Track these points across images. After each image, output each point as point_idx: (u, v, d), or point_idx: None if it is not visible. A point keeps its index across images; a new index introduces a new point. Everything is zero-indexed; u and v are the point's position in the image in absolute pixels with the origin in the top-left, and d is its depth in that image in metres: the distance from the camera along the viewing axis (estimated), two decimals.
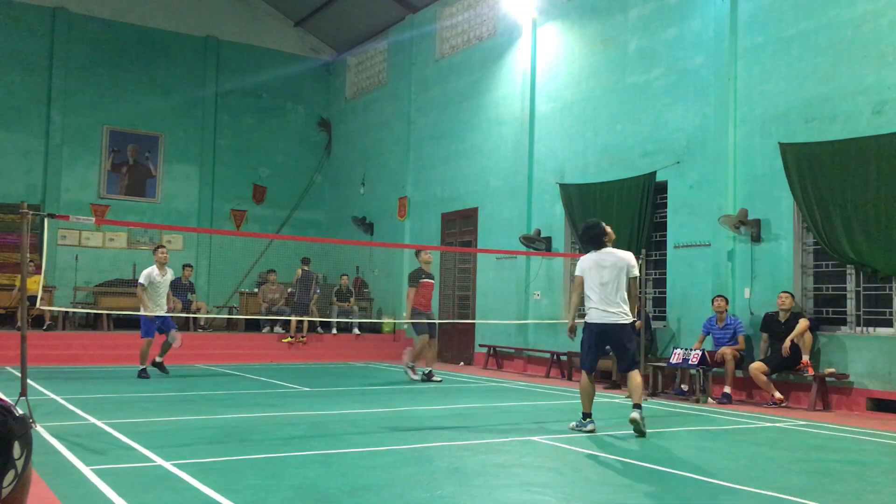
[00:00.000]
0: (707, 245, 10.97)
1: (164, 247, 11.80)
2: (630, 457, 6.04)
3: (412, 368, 12.01)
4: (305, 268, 16.34)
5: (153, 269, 11.30)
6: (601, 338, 7.08)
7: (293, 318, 15.57)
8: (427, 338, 11.78)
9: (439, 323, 15.96)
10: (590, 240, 7.26)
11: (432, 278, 12.13)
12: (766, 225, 10.29)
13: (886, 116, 9.06)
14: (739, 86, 10.71)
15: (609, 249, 7.17)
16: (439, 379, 11.83)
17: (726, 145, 10.71)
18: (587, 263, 7.14)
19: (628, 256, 7.14)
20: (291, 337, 16.04)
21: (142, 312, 11.24)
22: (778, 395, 9.48)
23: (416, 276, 11.81)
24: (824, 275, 9.99)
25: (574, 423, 7.14)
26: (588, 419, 7.07)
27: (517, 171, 14.53)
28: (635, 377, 7.08)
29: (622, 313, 6.99)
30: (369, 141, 19.62)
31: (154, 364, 11.61)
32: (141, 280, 11.25)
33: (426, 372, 11.84)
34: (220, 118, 20.00)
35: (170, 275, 11.52)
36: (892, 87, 9.06)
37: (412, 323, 11.95)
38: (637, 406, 6.87)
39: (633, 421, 6.78)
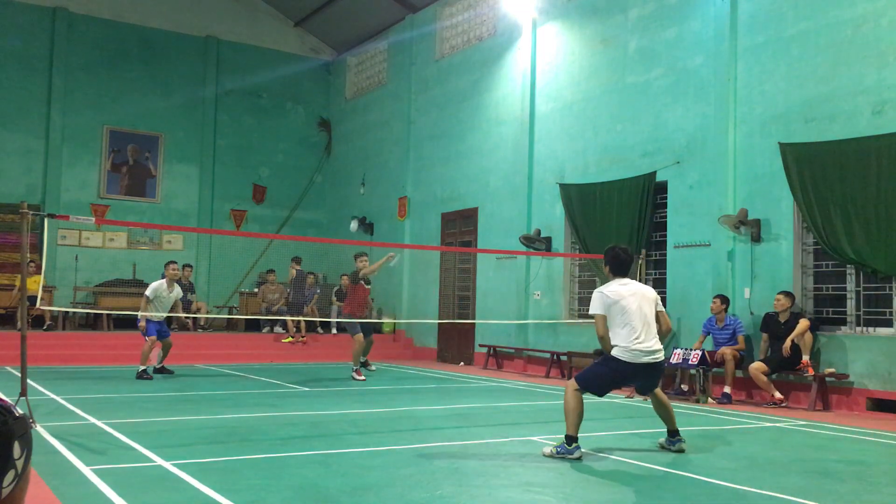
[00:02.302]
0: (707, 245, 10.97)
1: (175, 263, 11.86)
2: (630, 457, 6.05)
3: (357, 370, 12.02)
4: (298, 267, 16.34)
5: (162, 284, 11.34)
6: (635, 376, 6.16)
7: (289, 319, 15.57)
8: (361, 337, 12.14)
9: (440, 323, 16.08)
10: (621, 265, 6.31)
11: (368, 283, 12.47)
12: (766, 225, 10.28)
13: (886, 116, 9.06)
14: (739, 86, 10.71)
15: (629, 279, 6.34)
16: (374, 368, 12.73)
17: (726, 145, 10.71)
18: (621, 292, 6.12)
19: (650, 289, 6.38)
20: (292, 337, 16.06)
21: (140, 313, 11.32)
22: (778, 395, 9.48)
23: (353, 279, 12.37)
24: (824, 275, 9.99)
25: (555, 449, 5.91)
26: (576, 443, 5.90)
27: (517, 171, 14.53)
28: (664, 397, 6.34)
29: (661, 350, 6.19)
30: (369, 141, 19.62)
31: (156, 370, 11.67)
32: (147, 292, 11.31)
33: (362, 362, 12.57)
34: (220, 118, 20.00)
35: (178, 291, 11.55)
36: (892, 87, 9.06)
37: (348, 324, 12.52)
38: (677, 432, 6.28)
39: (682, 451, 6.18)
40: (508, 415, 8.63)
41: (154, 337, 11.26)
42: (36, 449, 1.52)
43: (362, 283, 12.23)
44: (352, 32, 20.08)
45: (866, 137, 9.13)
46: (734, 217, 10.32)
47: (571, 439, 5.89)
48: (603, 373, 6.13)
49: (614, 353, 6.06)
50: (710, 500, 4.81)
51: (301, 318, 15.68)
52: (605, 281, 6.56)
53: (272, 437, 6.65)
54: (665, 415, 6.28)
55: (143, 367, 11.13)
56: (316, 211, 21.12)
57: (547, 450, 5.97)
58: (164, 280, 11.41)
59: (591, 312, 6.20)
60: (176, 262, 11.87)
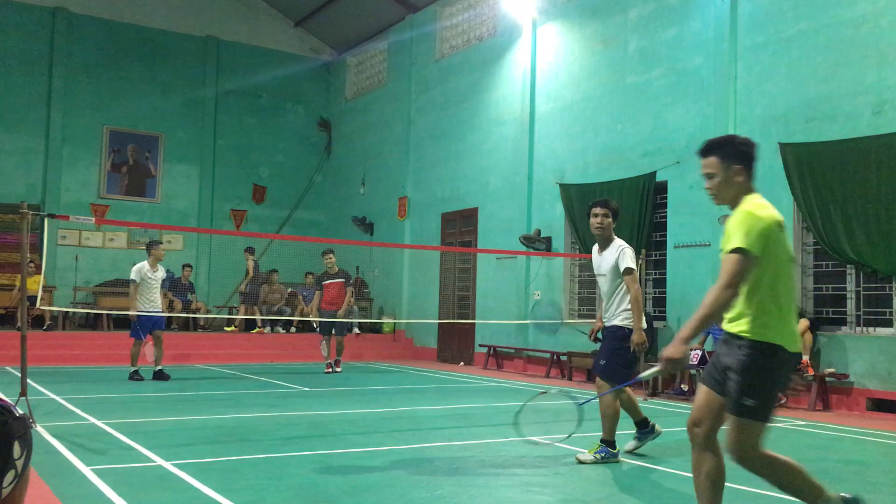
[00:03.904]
0: (707, 245, 10.97)
1: (162, 244, 11.61)
2: (630, 457, 6.04)
3: (336, 363, 12.90)
4: (254, 258, 16.33)
5: (145, 265, 10.94)
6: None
7: (293, 318, 15.57)
8: (325, 338, 12.78)
9: (440, 323, 16.07)
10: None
11: (337, 278, 12.73)
12: None
13: (886, 116, 9.06)
14: (739, 86, 10.71)
15: None
16: (339, 370, 12.88)
17: None
18: None
19: None
20: (260, 327, 16.14)
21: (130, 312, 10.93)
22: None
23: (318, 280, 12.92)
24: (824, 275, 9.99)
25: (598, 455, 5.73)
26: (615, 447, 5.83)
27: (517, 171, 14.53)
28: (629, 390, 6.15)
29: None
30: (369, 141, 19.62)
31: (154, 375, 11.07)
32: (132, 276, 10.89)
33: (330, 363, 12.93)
34: (220, 118, 20.00)
35: (162, 272, 11.18)
36: (892, 87, 9.06)
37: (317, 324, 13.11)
38: (646, 421, 6.14)
39: (659, 433, 6.17)
40: (508, 415, 8.58)
41: (139, 340, 10.93)
42: (36, 449, 1.52)
43: (333, 279, 12.53)
44: (352, 32, 20.08)
45: (866, 137, 9.13)
46: None
47: (611, 443, 5.78)
48: (626, 355, 5.90)
49: (624, 324, 5.88)
50: None
51: (300, 318, 15.66)
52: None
53: (272, 437, 6.65)
54: (632, 406, 6.07)
55: (133, 368, 10.93)
56: (316, 211, 21.12)
57: (588, 458, 5.69)
58: (147, 261, 10.98)
59: (631, 266, 5.82)
60: (162, 243, 11.64)
